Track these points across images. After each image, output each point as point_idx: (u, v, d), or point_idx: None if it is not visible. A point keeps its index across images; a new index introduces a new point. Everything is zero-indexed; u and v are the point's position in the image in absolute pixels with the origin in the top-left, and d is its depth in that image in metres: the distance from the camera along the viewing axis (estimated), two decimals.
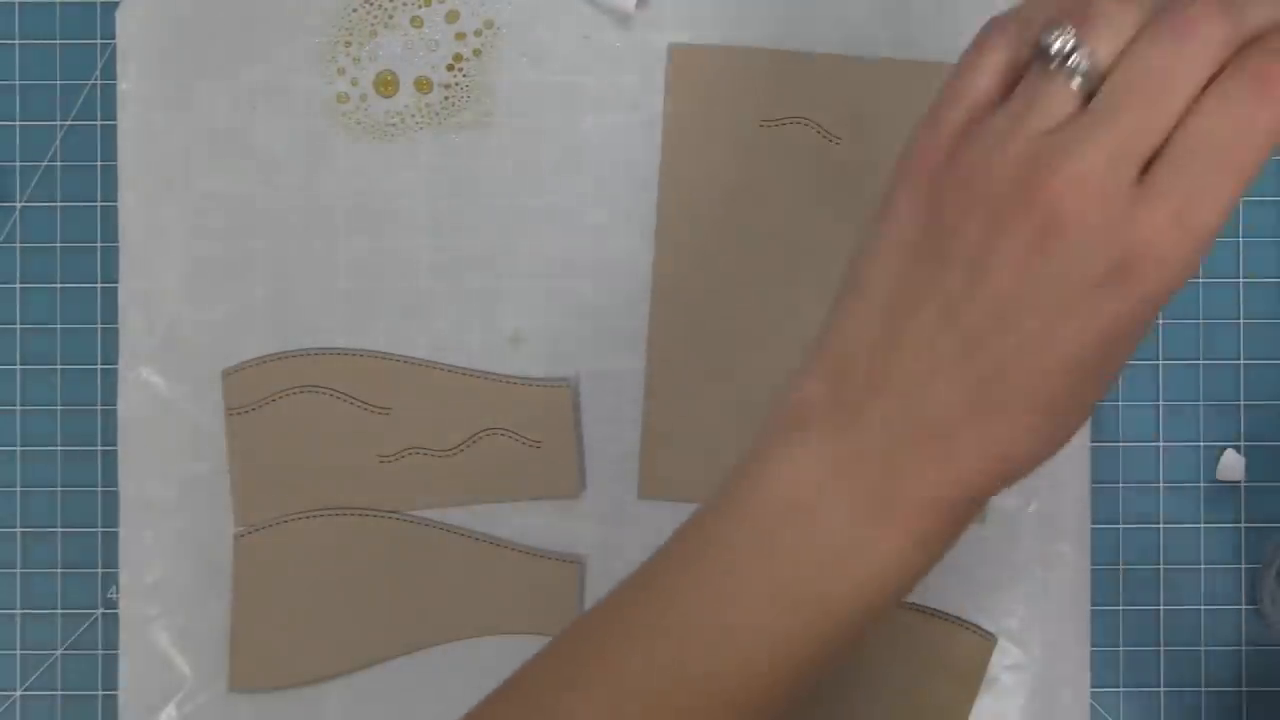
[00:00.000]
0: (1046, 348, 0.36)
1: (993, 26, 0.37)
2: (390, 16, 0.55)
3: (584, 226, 0.55)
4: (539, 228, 0.55)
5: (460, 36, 0.55)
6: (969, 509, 0.38)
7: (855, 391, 0.38)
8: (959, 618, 0.54)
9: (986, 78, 0.37)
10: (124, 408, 0.55)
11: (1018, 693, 0.54)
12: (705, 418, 0.54)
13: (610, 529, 0.55)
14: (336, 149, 0.55)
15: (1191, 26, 0.34)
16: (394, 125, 0.55)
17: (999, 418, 0.36)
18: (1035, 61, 0.36)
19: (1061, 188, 0.35)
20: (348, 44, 0.55)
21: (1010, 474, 0.37)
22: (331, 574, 0.54)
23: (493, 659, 0.54)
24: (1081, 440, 0.54)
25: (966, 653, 0.54)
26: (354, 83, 0.55)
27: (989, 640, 0.54)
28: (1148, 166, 0.35)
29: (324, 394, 0.55)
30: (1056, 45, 0.35)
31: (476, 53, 0.55)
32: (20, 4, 0.56)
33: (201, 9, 0.55)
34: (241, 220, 0.55)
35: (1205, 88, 0.35)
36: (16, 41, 0.56)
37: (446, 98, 0.55)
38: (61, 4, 0.56)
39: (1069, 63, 0.35)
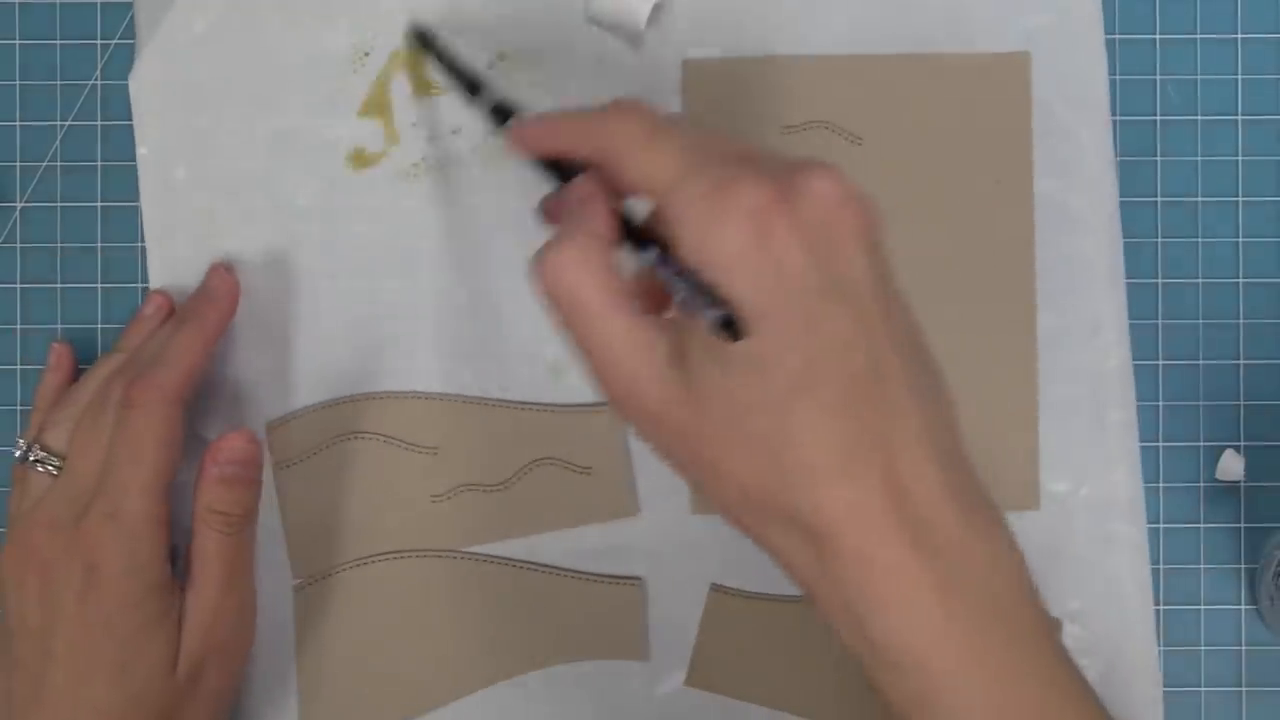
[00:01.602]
0: None
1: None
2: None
3: None
4: None
5: None
6: None
7: None
8: None
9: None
10: None
11: (1088, 674, 0.53)
12: None
13: (666, 546, 0.54)
14: (362, 193, 0.55)
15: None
16: (417, 165, 0.55)
17: None
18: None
19: (39, 536, 0.48)
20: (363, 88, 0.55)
21: None
22: (394, 617, 0.54)
23: (564, 687, 0.54)
24: (1128, 416, 0.54)
25: None
26: (374, 125, 0.55)
27: (1054, 624, 0.53)
28: None
29: (370, 439, 0.54)
30: (26, 455, 0.51)
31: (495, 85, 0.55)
32: (20, 4, 0.56)
33: (214, 66, 0.55)
34: (272, 272, 0.55)
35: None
36: (16, 41, 0.56)
37: (467, 132, 0.55)
38: (61, 4, 0.56)
39: (37, 461, 0.51)
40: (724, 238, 0.37)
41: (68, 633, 0.47)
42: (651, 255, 0.39)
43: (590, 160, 0.41)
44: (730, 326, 0.36)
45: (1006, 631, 0.37)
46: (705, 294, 0.37)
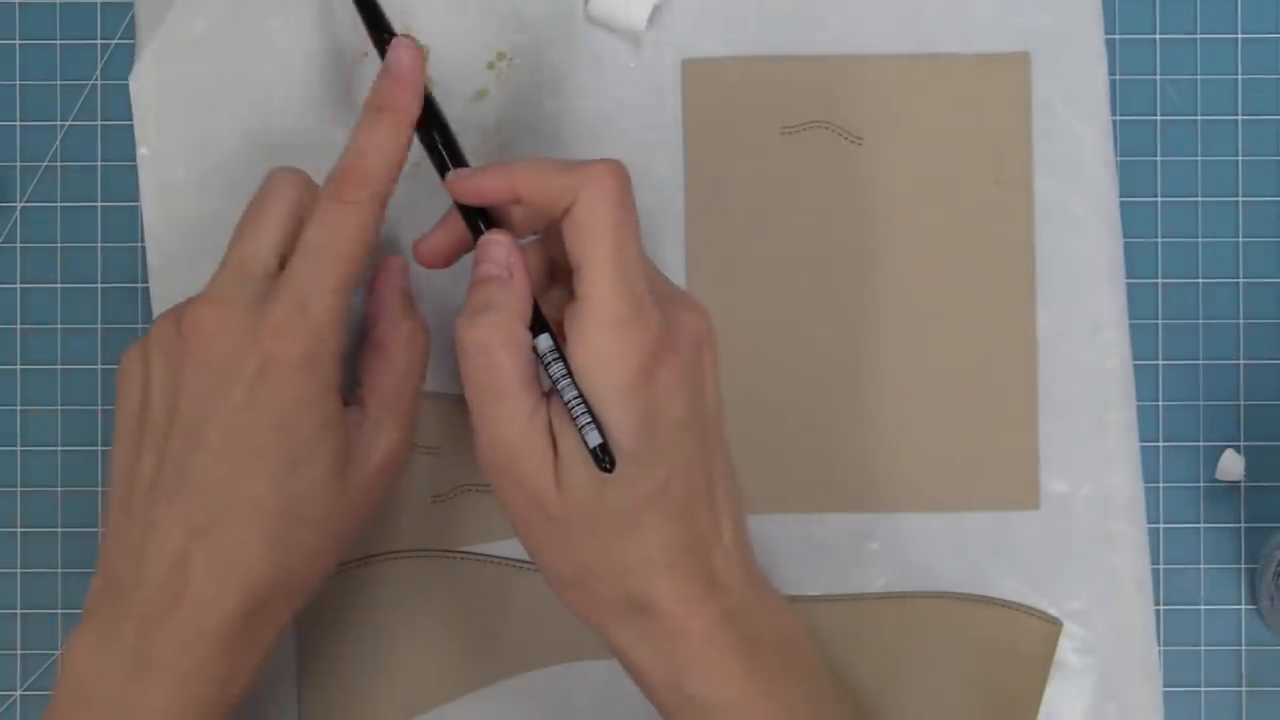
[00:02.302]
0: (231, 457, 0.44)
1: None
2: None
3: None
4: None
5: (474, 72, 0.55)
6: (235, 628, 0.45)
7: (110, 572, 0.46)
8: (1022, 605, 0.54)
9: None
10: None
11: (1088, 674, 0.54)
12: (749, 427, 0.54)
13: None
14: None
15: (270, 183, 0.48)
16: (417, 165, 0.55)
17: (219, 535, 0.44)
18: None
19: (205, 312, 0.45)
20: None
21: (254, 588, 0.45)
22: (395, 618, 0.54)
23: (563, 687, 0.54)
24: (1128, 416, 0.54)
25: (1033, 639, 0.54)
26: None
27: (1054, 625, 0.54)
28: None
29: None
30: None
31: (495, 85, 0.55)
32: (20, 4, 0.56)
33: (214, 66, 0.55)
34: None
35: None
36: (17, 41, 0.56)
37: (467, 132, 0.55)
38: (61, 4, 0.56)
39: None
40: (618, 369, 0.43)
41: (228, 422, 0.44)
42: (546, 346, 0.45)
43: (530, 202, 0.45)
44: (605, 453, 0.43)
45: (790, 670, 0.46)
46: (590, 415, 0.43)
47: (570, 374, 0.44)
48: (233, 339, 0.45)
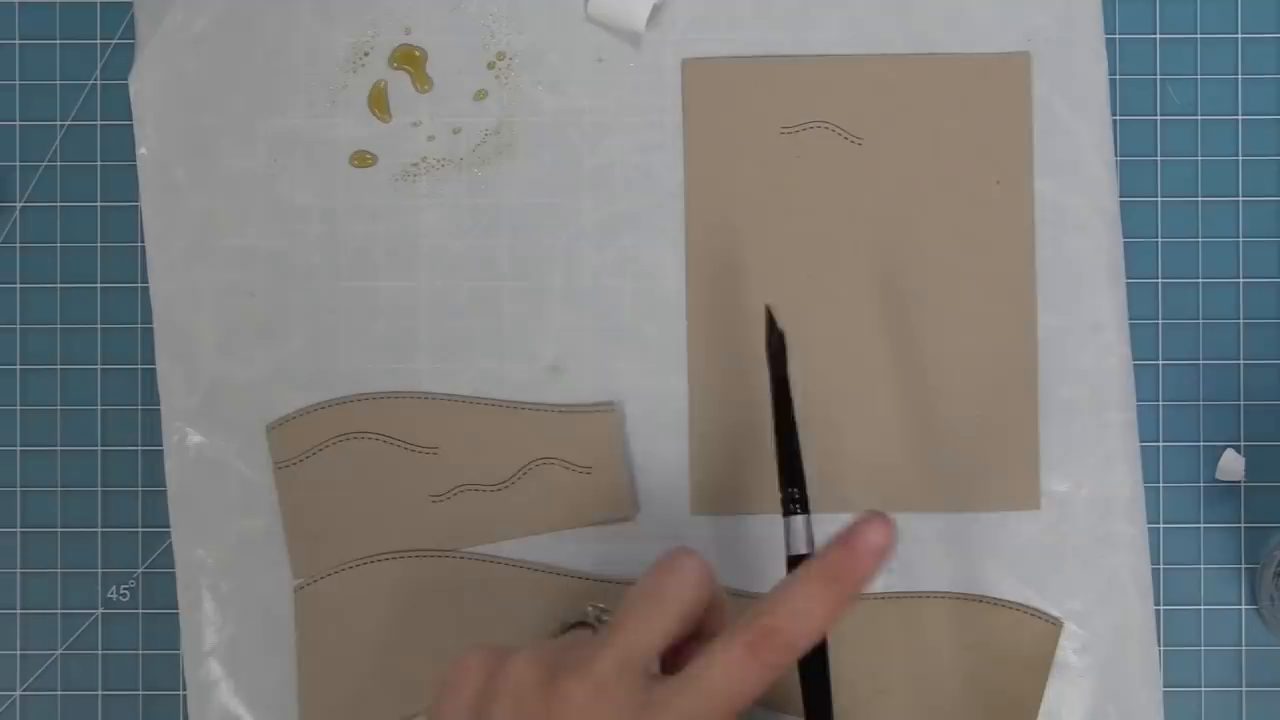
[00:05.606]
0: None
1: None
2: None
3: (615, 249, 0.55)
4: (569, 254, 0.55)
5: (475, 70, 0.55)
6: None
7: None
8: (1023, 605, 0.54)
9: None
10: (171, 471, 0.54)
11: (1088, 674, 0.54)
12: (749, 429, 0.54)
13: (665, 546, 0.54)
14: (362, 193, 0.55)
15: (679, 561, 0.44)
16: (417, 165, 0.55)
17: None
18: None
19: (570, 688, 0.41)
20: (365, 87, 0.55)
21: None
22: (394, 618, 0.54)
23: None
24: (1128, 416, 0.54)
25: (1033, 639, 0.54)
26: (374, 125, 0.55)
27: (1055, 625, 0.54)
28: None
29: (370, 439, 0.54)
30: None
31: (495, 85, 0.55)
32: (20, 4, 0.56)
33: (214, 66, 0.55)
34: (273, 273, 0.55)
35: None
36: (16, 41, 0.56)
37: (467, 132, 0.55)
38: (61, 4, 0.56)
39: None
40: None
41: None
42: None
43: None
44: None
45: None
46: None
47: None
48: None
